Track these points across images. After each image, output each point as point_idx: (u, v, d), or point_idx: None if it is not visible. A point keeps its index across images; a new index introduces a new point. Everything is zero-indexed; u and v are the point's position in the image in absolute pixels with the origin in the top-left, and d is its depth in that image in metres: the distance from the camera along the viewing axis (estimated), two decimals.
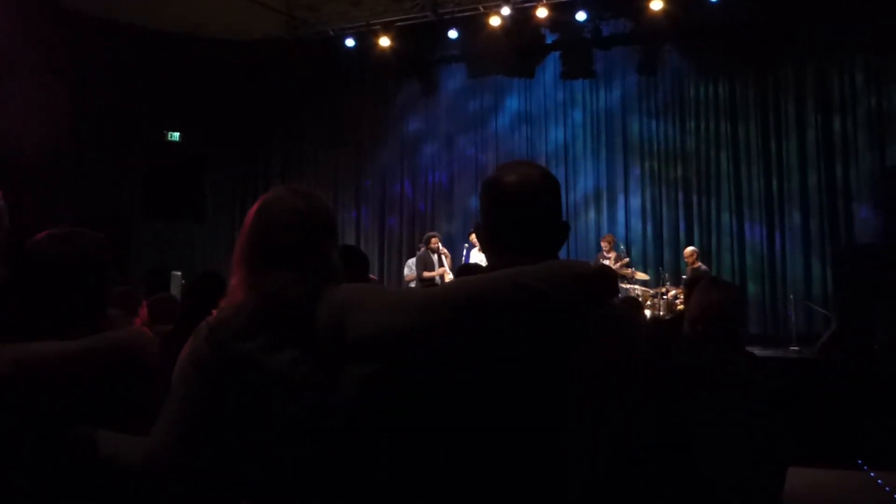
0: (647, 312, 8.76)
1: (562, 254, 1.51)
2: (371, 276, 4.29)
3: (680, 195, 10.97)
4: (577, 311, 1.28)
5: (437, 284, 8.06)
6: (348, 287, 1.47)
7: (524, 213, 1.45)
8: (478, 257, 9.77)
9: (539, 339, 1.28)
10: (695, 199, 10.88)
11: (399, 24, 11.44)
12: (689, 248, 9.62)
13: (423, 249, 9.71)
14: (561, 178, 10.69)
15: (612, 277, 5.78)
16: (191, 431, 1.40)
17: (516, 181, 1.46)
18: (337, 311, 1.37)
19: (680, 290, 9.02)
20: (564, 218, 1.52)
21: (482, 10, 11.04)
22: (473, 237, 9.88)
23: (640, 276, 9.81)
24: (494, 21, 10.93)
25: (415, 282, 9.38)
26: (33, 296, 1.65)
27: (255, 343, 1.37)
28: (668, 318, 8.49)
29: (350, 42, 11.86)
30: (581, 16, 10.89)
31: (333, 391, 1.33)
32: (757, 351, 6.57)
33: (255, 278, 1.45)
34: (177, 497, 1.43)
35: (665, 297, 9.32)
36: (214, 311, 1.50)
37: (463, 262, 9.78)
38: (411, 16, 11.42)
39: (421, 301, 1.33)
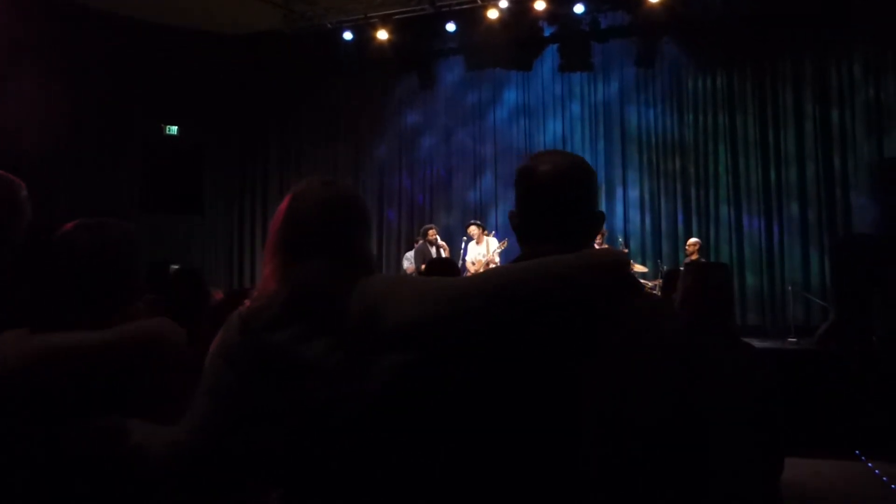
0: None
1: None
2: None
3: (678, 187, 10.98)
4: (611, 300, 1.28)
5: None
6: (381, 276, 1.47)
7: (558, 202, 1.44)
8: (475, 250, 9.79)
9: (572, 329, 1.27)
10: (693, 191, 10.88)
11: (397, 17, 11.41)
12: (692, 240, 9.54)
13: (420, 242, 9.74)
14: None
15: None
16: (221, 421, 1.41)
17: (550, 170, 1.46)
18: (370, 301, 1.37)
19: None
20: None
21: (480, 2, 11.01)
22: (472, 229, 9.90)
23: (639, 268, 9.82)
24: (492, 14, 10.91)
25: (413, 275, 9.38)
26: (61, 285, 1.65)
27: (288, 333, 1.37)
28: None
29: (348, 35, 11.83)
30: (579, 8, 10.88)
31: (366, 380, 1.33)
32: (755, 342, 6.60)
33: (288, 268, 1.45)
34: (207, 486, 1.44)
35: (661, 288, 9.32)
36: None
37: (461, 254, 9.81)
38: (409, 9, 11.40)
39: (453, 290, 1.32)
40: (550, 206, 1.45)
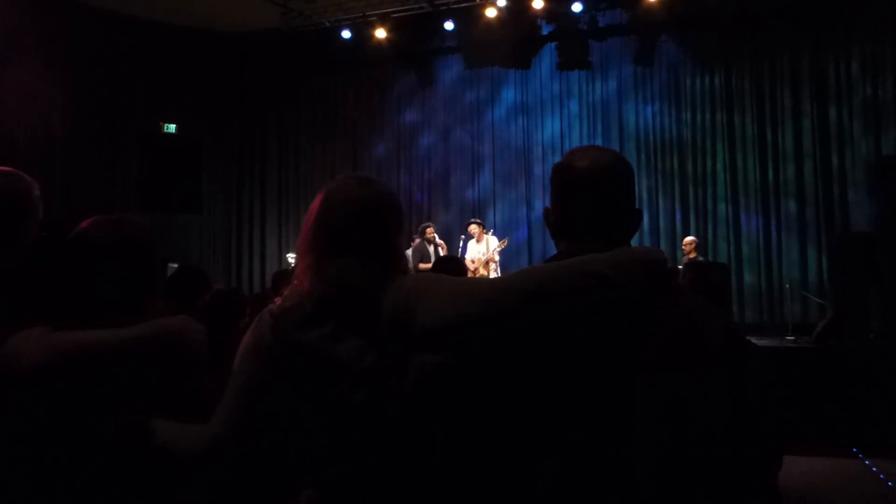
0: None
1: None
2: None
3: (676, 185, 10.99)
4: (649, 300, 1.24)
5: None
6: (414, 276, 1.46)
7: (595, 198, 1.40)
8: (475, 248, 9.79)
9: (609, 329, 1.23)
10: (691, 189, 10.90)
11: (395, 15, 11.41)
12: (688, 238, 9.58)
13: (418, 241, 9.73)
14: None
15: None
16: (252, 419, 1.40)
17: (588, 166, 1.42)
18: (403, 300, 1.35)
19: None
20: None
21: (478, 1, 11.02)
22: (472, 228, 9.90)
23: None
24: (491, 12, 10.90)
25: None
26: (80, 283, 1.64)
27: (320, 332, 1.36)
28: None
29: (346, 33, 11.82)
30: (577, 6, 10.88)
31: (399, 381, 1.32)
32: (753, 340, 6.60)
33: (320, 267, 1.44)
34: (238, 485, 1.44)
35: None
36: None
37: (459, 253, 9.81)
38: (407, 7, 11.40)
39: (489, 289, 1.29)
40: (588, 202, 1.41)
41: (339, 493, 1.37)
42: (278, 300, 1.47)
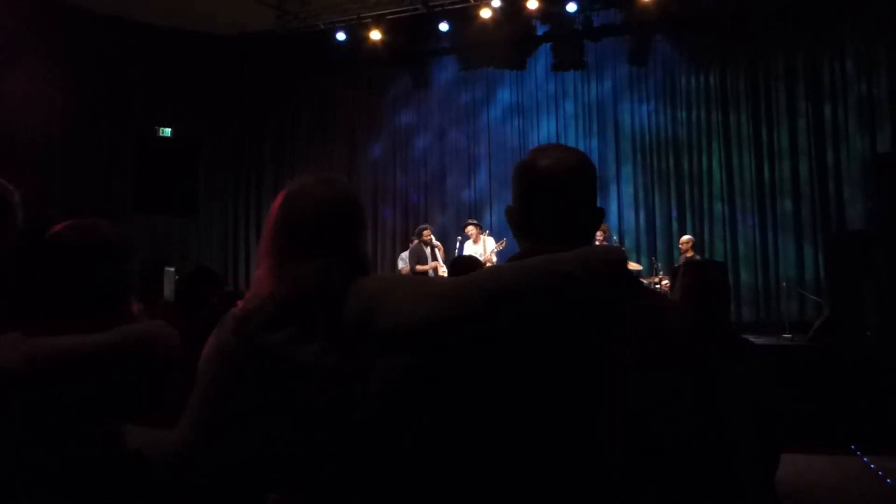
0: None
1: None
2: None
3: (672, 184, 11.01)
4: (613, 298, 1.24)
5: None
6: (378, 277, 1.45)
7: (557, 198, 1.41)
8: (472, 249, 9.79)
9: (574, 328, 1.23)
10: (687, 188, 10.92)
11: (390, 17, 11.41)
12: (685, 237, 9.60)
13: (416, 242, 9.74)
14: None
15: None
16: (216, 425, 1.38)
17: (550, 165, 1.42)
18: (367, 302, 1.34)
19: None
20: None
21: (473, 2, 11.02)
22: (469, 229, 9.91)
23: (633, 265, 9.83)
24: (485, 13, 10.91)
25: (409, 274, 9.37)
26: (53, 287, 1.64)
27: (283, 334, 1.34)
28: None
29: (341, 35, 11.82)
30: (572, 7, 10.90)
31: (363, 382, 1.30)
32: (750, 338, 6.60)
33: (283, 269, 1.42)
34: (203, 491, 1.42)
35: (658, 286, 9.34)
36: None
37: (456, 254, 9.81)
38: (402, 8, 11.39)
39: (452, 290, 1.28)
40: (550, 201, 1.41)
41: (307, 496, 1.36)
42: (240, 303, 1.45)
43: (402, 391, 1.29)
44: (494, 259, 9.66)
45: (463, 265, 4.04)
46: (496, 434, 1.25)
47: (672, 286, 4.98)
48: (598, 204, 1.53)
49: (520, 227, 1.47)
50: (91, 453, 1.48)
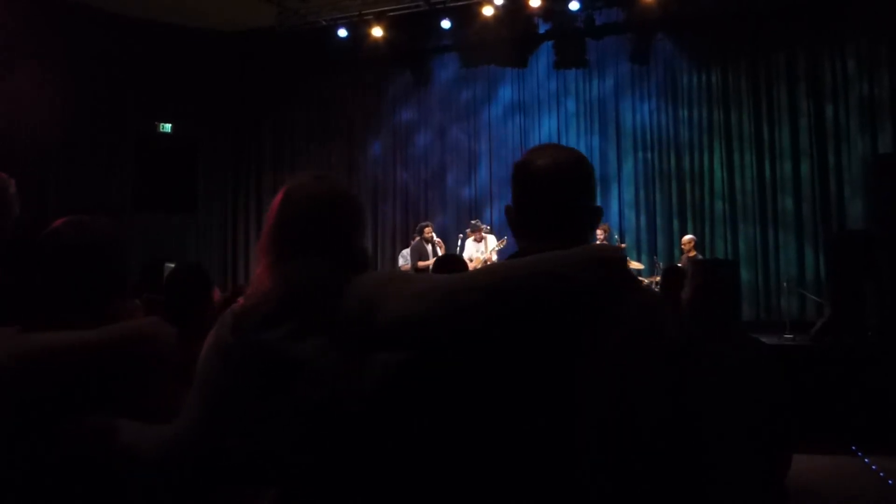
0: None
1: None
2: None
3: (673, 183, 11.00)
4: (606, 296, 1.25)
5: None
6: (374, 274, 1.45)
7: (554, 197, 1.42)
8: (473, 247, 9.80)
9: (564, 326, 1.25)
10: (688, 187, 10.91)
11: (391, 13, 11.39)
12: (687, 237, 9.59)
13: (417, 239, 9.75)
14: None
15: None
16: (215, 420, 1.39)
17: (547, 164, 1.44)
18: (364, 299, 1.35)
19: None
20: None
21: None
22: (471, 228, 9.92)
23: (635, 265, 9.82)
24: (487, 11, 10.88)
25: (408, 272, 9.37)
26: (49, 284, 1.64)
27: (281, 331, 1.36)
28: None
29: (342, 32, 11.78)
30: (574, 5, 10.87)
31: (360, 380, 1.32)
32: None
33: (281, 266, 1.43)
34: (201, 486, 1.42)
35: (659, 285, 9.33)
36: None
37: (457, 252, 9.81)
38: (404, 5, 11.38)
39: (448, 287, 1.30)
40: (548, 200, 1.43)
41: (303, 492, 1.37)
42: (240, 300, 1.46)
43: (399, 388, 1.31)
44: (495, 257, 9.65)
45: (447, 263, 4.09)
46: (489, 430, 1.27)
47: (665, 285, 4.96)
48: (599, 202, 1.54)
49: (518, 225, 1.49)
50: (84, 447, 1.47)
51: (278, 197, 1.52)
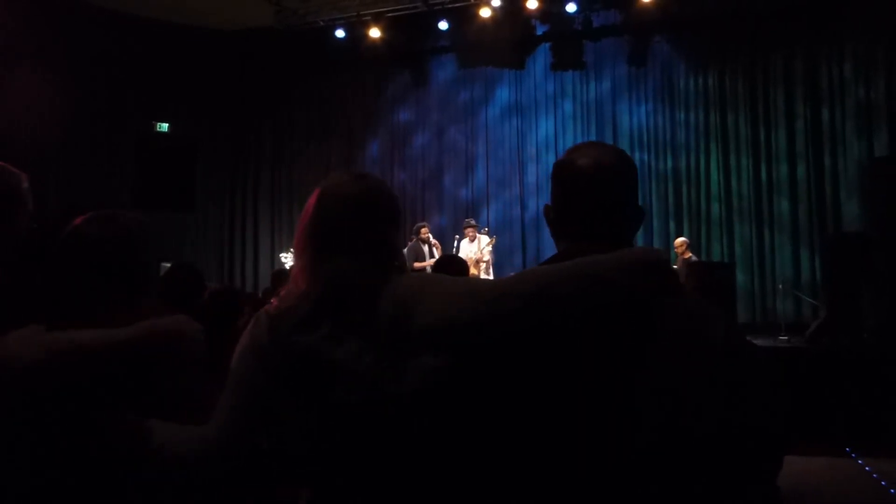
0: None
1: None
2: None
3: (670, 185, 11.02)
4: (651, 302, 1.22)
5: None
6: (413, 275, 1.44)
7: (597, 198, 1.37)
8: (469, 248, 9.80)
9: (609, 332, 1.21)
10: (684, 189, 10.93)
11: (390, 14, 11.39)
12: (680, 239, 9.60)
13: (413, 240, 9.73)
14: (551, 168, 10.68)
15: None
16: (250, 421, 1.39)
17: (589, 164, 1.38)
18: (402, 301, 1.33)
19: None
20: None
21: (473, 1, 11.02)
22: (466, 228, 9.92)
23: None
24: (485, 12, 10.90)
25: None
26: (74, 280, 1.62)
27: (318, 334, 1.34)
28: None
29: (340, 33, 11.79)
30: (571, 7, 10.89)
31: (398, 383, 1.30)
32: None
33: (316, 266, 1.41)
34: (235, 486, 1.42)
35: None
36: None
37: (454, 253, 9.80)
38: (402, 6, 11.38)
39: (489, 291, 1.27)
40: (590, 201, 1.37)
41: (337, 494, 1.36)
42: (275, 300, 1.45)
43: (437, 392, 1.30)
44: (488, 257, 9.68)
45: (448, 265, 4.05)
46: (529, 437, 1.23)
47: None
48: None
49: (557, 227, 1.43)
50: (115, 448, 1.46)
51: (314, 196, 1.49)
